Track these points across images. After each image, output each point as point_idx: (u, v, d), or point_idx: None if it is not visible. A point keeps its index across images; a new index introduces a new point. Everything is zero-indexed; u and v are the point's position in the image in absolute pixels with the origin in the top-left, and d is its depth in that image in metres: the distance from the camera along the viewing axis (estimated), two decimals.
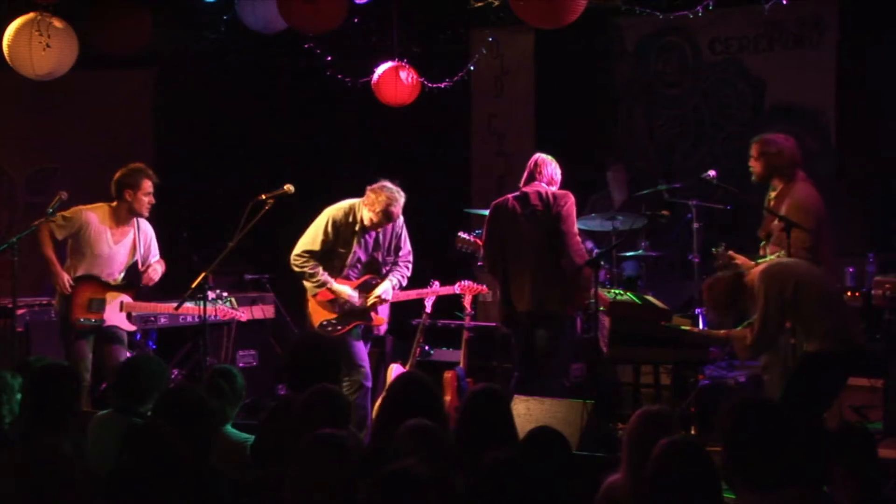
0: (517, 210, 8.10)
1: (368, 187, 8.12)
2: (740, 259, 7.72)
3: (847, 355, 6.70)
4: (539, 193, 8.05)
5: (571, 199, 8.05)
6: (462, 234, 8.84)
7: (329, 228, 8.16)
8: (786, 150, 7.71)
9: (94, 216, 8.21)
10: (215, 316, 8.36)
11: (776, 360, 7.38)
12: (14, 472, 4.65)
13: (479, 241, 8.67)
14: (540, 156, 8.26)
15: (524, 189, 8.14)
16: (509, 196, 8.22)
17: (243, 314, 8.65)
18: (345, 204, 8.23)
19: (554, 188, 8.14)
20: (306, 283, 8.23)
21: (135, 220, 8.34)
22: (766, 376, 7.67)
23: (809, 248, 7.36)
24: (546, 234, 8.00)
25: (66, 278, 8.10)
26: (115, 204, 8.28)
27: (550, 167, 8.18)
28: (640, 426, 4.65)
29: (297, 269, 8.19)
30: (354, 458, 4.16)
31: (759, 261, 7.42)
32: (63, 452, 4.68)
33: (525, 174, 8.22)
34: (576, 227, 8.07)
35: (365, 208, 8.11)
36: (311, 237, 8.20)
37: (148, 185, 8.25)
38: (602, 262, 9.06)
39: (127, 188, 8.21)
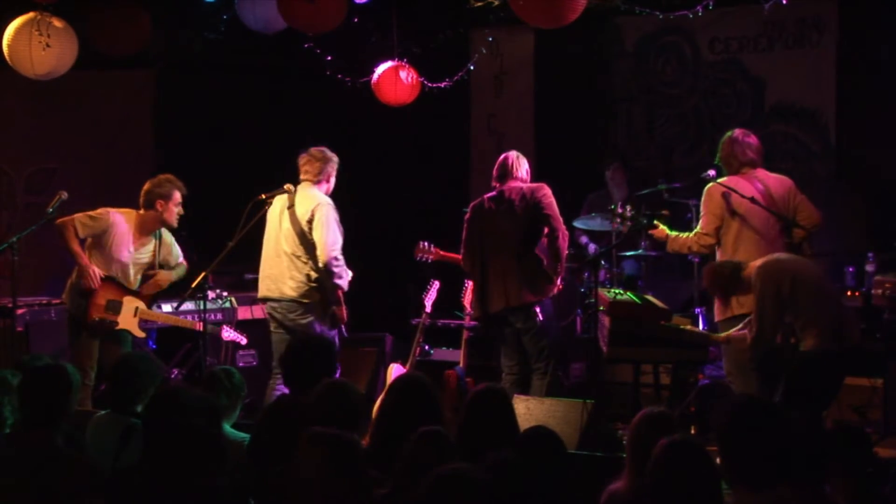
0: (493, 208, 8.12)
1: (316, 159, 8.17)
2: (659, 229, 7.79)
3: (843, 354, 6.71)
4: (514, 189, 8.07)
5: (548, 188, 8.08)
6: (421, 244, 8.88)
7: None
8: (736, 146, 7.73)
9: (121, 220, 8.16)
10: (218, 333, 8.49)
11: (738, 367, 7.38)
12: (8, 470, 4.67)
13: (437, 248, 8.80)
14: (512, 153, 8.28)
15: (500, 187, 8.15)
16: (485, 196, 8.24)
17: (244, 338, 8.64)
18: (321, 192, 8.11)
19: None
20: (341, 282, 7.97)
21: (158, 229, 8.34)
22: (731, 379, 7.61)
23: (707, 232, 7.60)
24: (525, 228, 8.00)
25: (96, 272, 8.04)
26: (142, 212, 8.23)
27: (524, 164, 8.22)
28: (640, 428, 4.65)
29: (338, 268, 7.93)
30: (362, 458, 4.16)
31: (675, 233, 7.76)
32: (55, 450, 4.69)
33: (497, 172, 8.21)
34: (558, 213, 8.06)
35: (328, 183, 8.17)
36: (338, 232, 7.96)
37: (178, 196, 8.23)
38: (602, 262, 9.08)
39: (159, 199, 8.18)
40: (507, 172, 8.17)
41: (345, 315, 8.05)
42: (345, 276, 7.97)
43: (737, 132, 7.79)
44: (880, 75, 9.91)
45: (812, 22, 10.31)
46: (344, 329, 8.22)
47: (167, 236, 8.42)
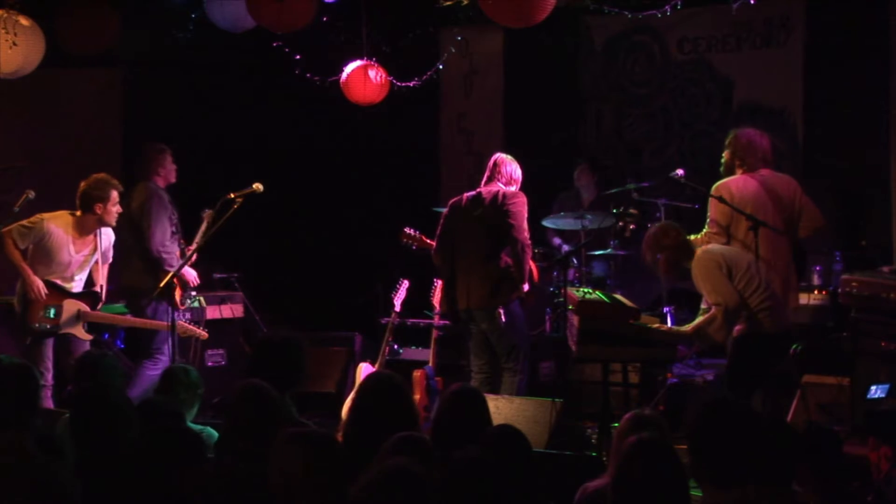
0: (470, 210, 8.11)
1: (152, 153, 8.76)
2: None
3: (770, 338, 6.95)
4: (491, 192, 8.06)
5: (522, 198, 8.05)
6: (407, 230, 8.83)
7: None
8: (755, 142, 7.81)
9: (56, 226, 8.08)
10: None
11: None
12: None
13: (423, 236, 8.73)
14: (499, 155, 8.27)
15: (480, 189, 8.15)
16: (465, 195, 8.23)
17: (204, 333, 8.55)
18: (153, 184, 8.63)
19: (513, 187, 8.14)
20: (171, 267, 8.26)
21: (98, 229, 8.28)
22: None
23: (715, 231, 7.63)
24: (490, 234, 8.00)
25: (40, 284, 8.00)
26: (79, 214, 8.14)
27: (510, 167, 8.18)
28: (627, 430, 4.66)
29: (167, 255, 8.44)
30: (341, 457, 4.14)
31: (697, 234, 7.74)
32: (27, 452, 4.65)
33: (486, 174, 8.21)
34: (524, 223, 8.01)
35: (159, 176, 8.71)
36: (165, 223, 8.51)
37: (116, 196, 8.18)
38: (572, 261, 9.09)
39: (97, 202, 8.10)
40: (490, 174, 8.17)
41: (178, 301, 8.31)
42: (174, 262, 8.35)
43: (753, 130, 7.93)
44: (847, 75, 9.96)
45: (779, 22, 10.37)
46: (180, 311, 8.52)
47: (107, 232, 8.34)
